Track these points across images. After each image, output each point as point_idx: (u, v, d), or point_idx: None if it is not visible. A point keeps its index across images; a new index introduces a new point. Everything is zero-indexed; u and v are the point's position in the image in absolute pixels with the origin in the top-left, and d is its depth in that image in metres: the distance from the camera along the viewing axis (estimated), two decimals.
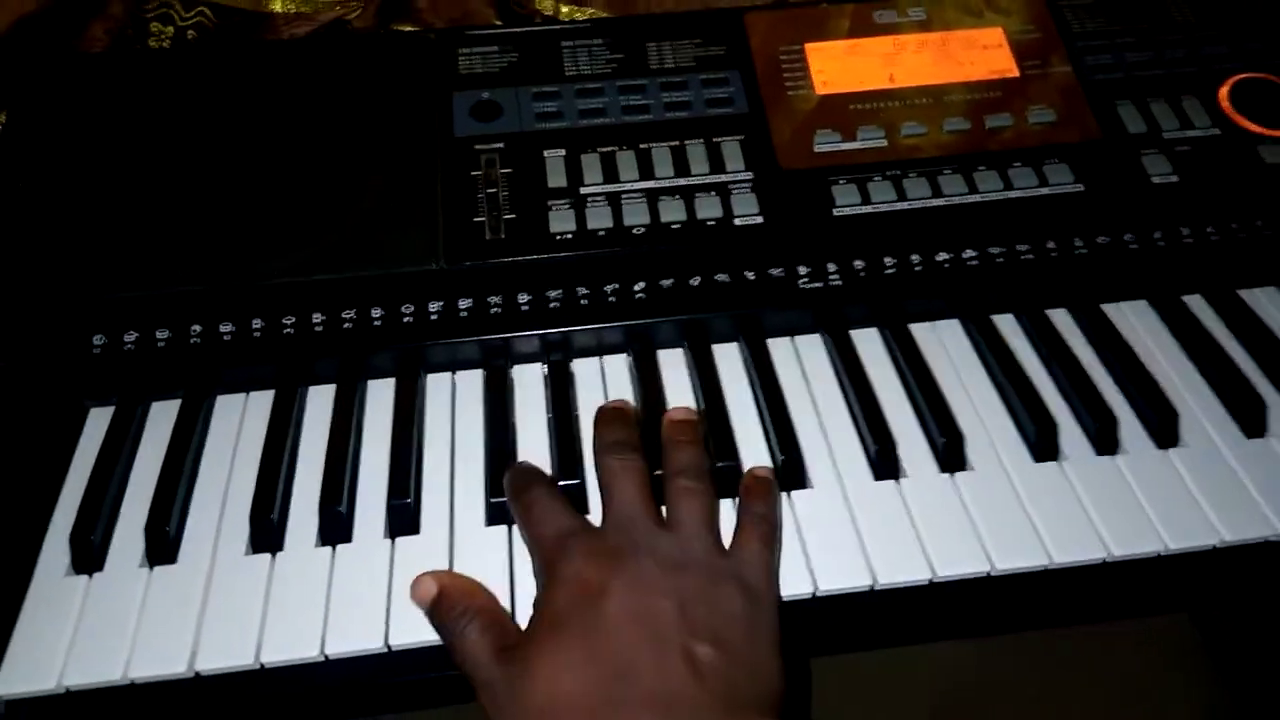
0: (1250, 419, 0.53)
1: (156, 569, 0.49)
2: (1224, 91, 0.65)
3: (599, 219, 0.59)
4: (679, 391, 0.57)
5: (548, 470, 0.52)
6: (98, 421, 0.56)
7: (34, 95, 0.64)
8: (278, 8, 0.73)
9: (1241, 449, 0.52)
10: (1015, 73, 0.66)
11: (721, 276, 0.58)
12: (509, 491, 0.50)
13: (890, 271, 0.59)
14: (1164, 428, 0.53)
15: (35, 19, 0.68)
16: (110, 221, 0.59)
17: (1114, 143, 0.63)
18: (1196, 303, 0.60)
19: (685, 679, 0.40)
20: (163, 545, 0.49)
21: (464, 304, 0.57)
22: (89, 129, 0.63)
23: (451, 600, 0.45)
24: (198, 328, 0.56)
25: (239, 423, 0.56)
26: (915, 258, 0.59)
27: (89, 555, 0.49)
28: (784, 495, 0.51)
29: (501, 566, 0.48)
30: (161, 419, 0.56)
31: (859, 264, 0.59)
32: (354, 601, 0.47)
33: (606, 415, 0.52)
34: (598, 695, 0.40)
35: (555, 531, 0.46)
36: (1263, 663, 0.61)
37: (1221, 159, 0.62)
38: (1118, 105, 0.64)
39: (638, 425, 0.52)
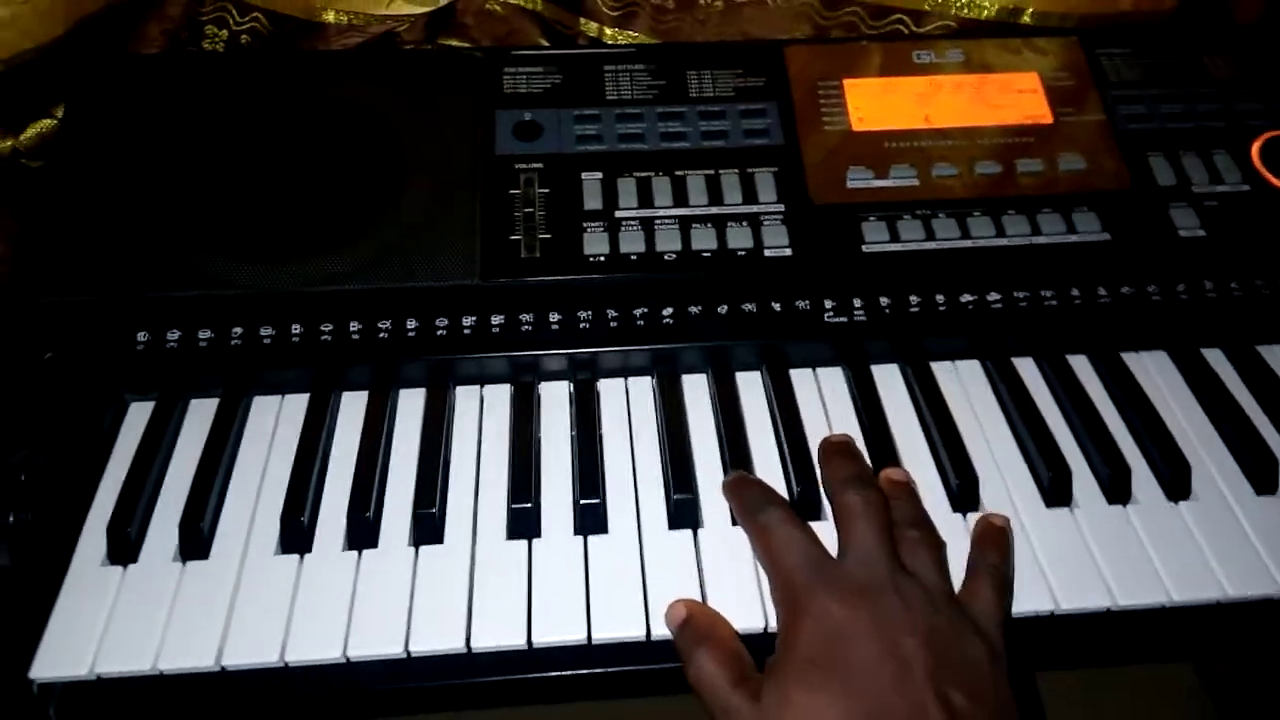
0: (1262, 476, 0.54)
1: (189, 564, 0.51)
2: (1256, 148, 0.66)
3: (632, 243, 0.61)
4: (701, 416, 0.58)
5: (569, 488, 0.54)
6: (138, 415, 0.58)
7: (89, 94, 0.66)
8: (330, 18, 0.75)
9: (1251, 506, 0.53)
10: (1049, 119, 0.67)
11: (748, 306, 0.60)
12: (739, 504, 0.51)
13: (915, 310, 0.60)
14: (1176, 481, 0.54)
15: (96, 19, 0.70)
16: (158, 221, 0.61)
17: (1143, 193, 0.64)
18: (1215, 357, 0.61)
19: None
20: (196, 541, 0.51)
21: (496, 320, 0.59)
22: (142, 129, 0.64)
23: (696, 626, 0.46)
24: (239, 329, 0.58)
25: (274, 424, 0.58)
26: (940, 297, 0.60)
27: (125, 547, 0.51)
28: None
29: (520, 582, 0.50)
30: (199, 416, 0.58)
31: (885, 301, 0.60)
32: (377, 606, 0.49)
33: (835, 448, 0.53)
34: None
35: (799, 562, 0.47)
36: (1264, 712, 0.61)
37: (1250, 215, 0.63)
38: (1149, 156, 0.65)
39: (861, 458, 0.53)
